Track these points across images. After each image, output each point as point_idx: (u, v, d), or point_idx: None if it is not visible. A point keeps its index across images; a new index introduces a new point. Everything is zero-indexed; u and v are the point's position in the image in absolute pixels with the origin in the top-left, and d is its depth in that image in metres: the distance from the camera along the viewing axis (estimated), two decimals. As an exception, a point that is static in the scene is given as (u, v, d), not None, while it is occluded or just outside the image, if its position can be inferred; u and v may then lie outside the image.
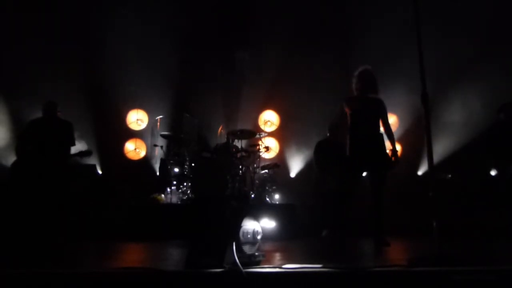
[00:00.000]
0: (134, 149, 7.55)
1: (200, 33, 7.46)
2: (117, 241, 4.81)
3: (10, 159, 5.51)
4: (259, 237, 2.45)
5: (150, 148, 7.45)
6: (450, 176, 6.46)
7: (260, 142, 6.63)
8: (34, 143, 5.27)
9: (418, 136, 6.68)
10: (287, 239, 4.93)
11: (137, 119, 7.63)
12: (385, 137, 4.29)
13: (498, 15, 6.56)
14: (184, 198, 6.02)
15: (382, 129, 4.31)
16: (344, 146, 4.31)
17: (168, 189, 6.12)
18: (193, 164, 6.17)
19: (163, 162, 6.72)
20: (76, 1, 6.98)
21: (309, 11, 7.15)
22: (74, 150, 5.49)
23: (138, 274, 2.15)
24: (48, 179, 5.10)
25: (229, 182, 5.88)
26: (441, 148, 6.83)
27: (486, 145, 5.36)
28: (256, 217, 2.50)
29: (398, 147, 7.48)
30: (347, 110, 4.33)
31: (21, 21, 6.70)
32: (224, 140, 6.86)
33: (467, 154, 6.63)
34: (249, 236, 2.38)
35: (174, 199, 6.03)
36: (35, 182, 5.01)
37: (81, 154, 5.43)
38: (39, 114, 5.50)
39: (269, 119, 7.79)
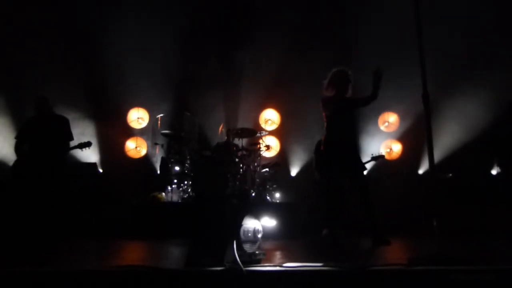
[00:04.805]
0: (135, 148, 7.56)
1: (200, 31, 7.45)
2: (117, 240, 4.82)
3: (12, 159, 5.51)
4: (259, 235, 2.46)
5: (151, 146, 7.45)
6: (450, 175, 6.46)
7: (260, 141, 6.63)
8: (32, 142, 5.25)
9: (419, 135, 6.68)
10: (288, 238, 4.93)
11: (138, 118, 7.63)
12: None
13: (498, 14, 6.56)
14: (185, 196, 6.03)
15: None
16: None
17: (169, 188, 6.13)
18: (193, 163, 6.18)
19: (163, 161, 6.72)
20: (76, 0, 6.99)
21: (309, 10, 7.13)
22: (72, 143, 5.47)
23: (138, 272, 2.16)
24: (48, 177, 5.09)
25: (229, 180, 5.88)
26: (442, 147, 6.82)
27: (489, 143, 5.34)
28: (256, 215, 2.50)
29: (399, 146, 7.48)
30: (324, 112, 4.30)
31: (21, 20, 6.70)
32: (224, 138, 6.87)
33: (468, 153, 6.62)
34: (249, 234, 2.38)
35: (175, 198, 6.04)
36: (34, 181, 5.00)
37: (80, 145, 5.33)
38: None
39: (269, 117, 7.77)
